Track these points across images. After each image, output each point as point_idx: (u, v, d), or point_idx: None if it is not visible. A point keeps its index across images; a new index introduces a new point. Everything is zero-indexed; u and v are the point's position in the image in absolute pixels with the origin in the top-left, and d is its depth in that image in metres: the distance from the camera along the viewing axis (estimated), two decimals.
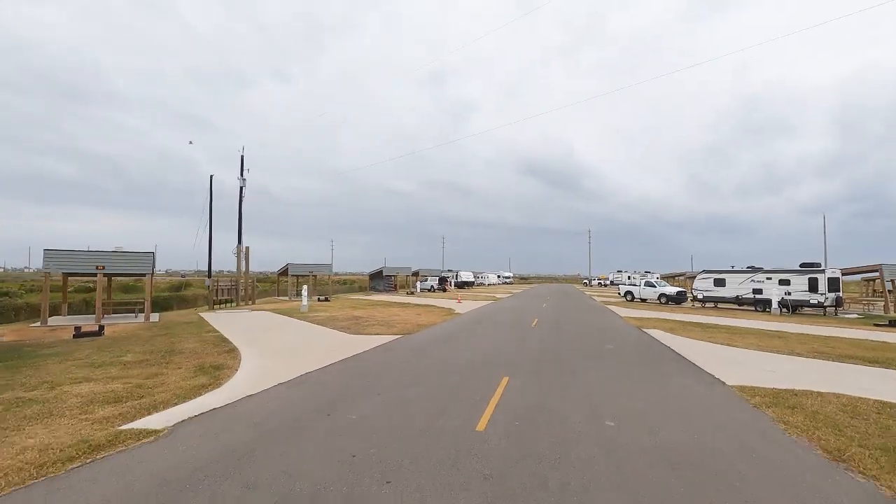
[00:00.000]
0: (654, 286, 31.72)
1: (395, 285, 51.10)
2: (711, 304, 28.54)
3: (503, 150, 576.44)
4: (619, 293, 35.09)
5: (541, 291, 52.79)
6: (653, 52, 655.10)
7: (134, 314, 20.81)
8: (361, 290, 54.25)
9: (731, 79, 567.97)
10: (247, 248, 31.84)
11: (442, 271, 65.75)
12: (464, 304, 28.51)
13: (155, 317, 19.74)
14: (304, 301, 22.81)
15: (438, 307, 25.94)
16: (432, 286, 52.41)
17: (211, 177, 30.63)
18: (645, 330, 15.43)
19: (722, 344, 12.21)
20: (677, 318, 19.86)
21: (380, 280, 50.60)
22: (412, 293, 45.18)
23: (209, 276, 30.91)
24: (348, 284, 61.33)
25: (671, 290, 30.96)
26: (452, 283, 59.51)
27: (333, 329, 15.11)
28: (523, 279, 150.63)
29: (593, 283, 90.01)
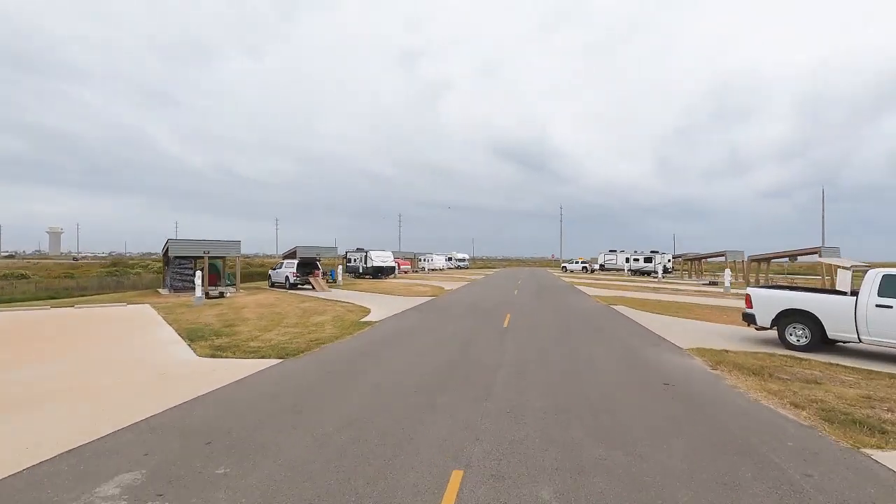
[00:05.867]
0: None
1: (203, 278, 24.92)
2: None
3: (476, 133, 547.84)
4: (747, 314, 10.26)
5: (492, 294, 25.80)
6: (632, 33, 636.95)
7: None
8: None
9: (701, 65, 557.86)
10: None
11: (367, 251, 39.77)
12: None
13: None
14: None
15: None
16: (287, 278, 26.80)
17: None
18: None
19: None
20: None
21: (176, 269, 24.30)
22: (209, 294, 19.37)
23: None
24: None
25: None
26: (339, 271, 32.88)
27: None
28: (487, 262, 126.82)
29: (573, 266, 66.64)
